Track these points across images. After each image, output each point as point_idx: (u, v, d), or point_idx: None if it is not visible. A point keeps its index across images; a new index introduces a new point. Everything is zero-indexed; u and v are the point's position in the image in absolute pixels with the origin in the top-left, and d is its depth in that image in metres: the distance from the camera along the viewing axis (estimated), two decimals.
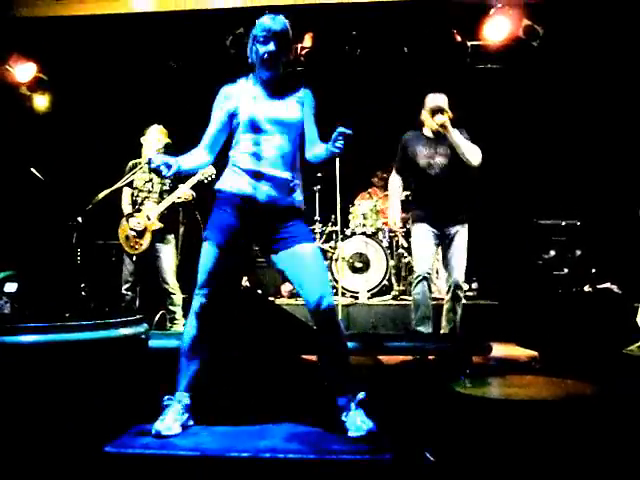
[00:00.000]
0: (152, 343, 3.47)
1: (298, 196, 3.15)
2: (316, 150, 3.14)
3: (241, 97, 3.15)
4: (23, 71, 7.03)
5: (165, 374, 3.10)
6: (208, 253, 3.05)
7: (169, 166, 2.97)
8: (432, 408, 3.00)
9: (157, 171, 2.97)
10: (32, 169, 6.01)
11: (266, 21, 3.10)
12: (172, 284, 5.62)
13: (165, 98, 7.07)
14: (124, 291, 5.65)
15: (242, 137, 3.12)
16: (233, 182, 3.08)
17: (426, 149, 5.03)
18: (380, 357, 3.91)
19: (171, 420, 2.97)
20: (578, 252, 7.05)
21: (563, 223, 7.23)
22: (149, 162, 2.97)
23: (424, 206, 5.02)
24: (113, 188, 5.47)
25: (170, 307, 5.63)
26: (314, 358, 3.61)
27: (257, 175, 3.05)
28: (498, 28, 6.79)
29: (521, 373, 3.72)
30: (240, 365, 3.63)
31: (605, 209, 6.55)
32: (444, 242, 5.01)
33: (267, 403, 3.33)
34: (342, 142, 2.90)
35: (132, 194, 5.69)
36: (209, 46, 6.69)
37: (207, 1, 6.38)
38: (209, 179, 5.34)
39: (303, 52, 6.91)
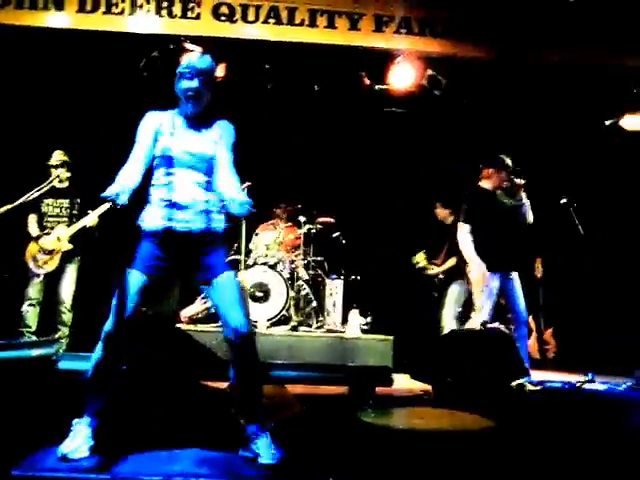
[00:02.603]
0: (62, 364, 3.42)
1: (215, 220, 3.24)
2: (222, 188, 3.14)
3: (162, 128, 3.24)
4: None
5: (75, 396, 3.07)
6: (130, 281, 3.08)
7: (120, 194, 2.98)
8: (339, 436, 3.13)
9: (114, 201, 2.97)
10: None
11: (192, 59, 3.27)
12: (67, 303, 5.82)
13: (76, 116, 6.98)
14: (25, 307, 5.72)
15: (158, 170, 3.23)
16: (150, 217, 3.18)
17: (499, 204, 5.63)
18: (287, 386, 4.01)
19: (79, 443, 2.96)
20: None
21: None
22: (110, 199, 2.96)
23: (493, 255, 5.45)
24: (16, 204, 5.38)
25: (60, 326, 5.76)
26: (220, 385, 3.67)
27: (171, 205, 3.14)
28: (403, 75, 7.09)
29: (419, 405, 3.92)
30: (149, 390, 3.63)
31: None
32: (506, 285, 5.52)
33: (176, 428, 3.35)
34: (240, 210, 2.95)
35: (38, 219, 5.91)
36: (122, 67, 6.64)
37: (123, 25, 6.34)
38: (118, 206, 5.47)
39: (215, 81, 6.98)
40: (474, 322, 5.49)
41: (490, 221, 5.54)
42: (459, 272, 6.56)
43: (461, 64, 6.87)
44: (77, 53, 6.50)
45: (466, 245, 5.53)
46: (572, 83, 6.89)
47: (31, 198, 5.50)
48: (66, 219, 5.89)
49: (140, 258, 3.14)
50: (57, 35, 6.25)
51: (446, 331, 6.48)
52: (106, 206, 5.56)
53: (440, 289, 6.92)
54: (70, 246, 5.80)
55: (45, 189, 5.64)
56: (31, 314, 5.72)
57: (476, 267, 5.44)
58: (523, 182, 5.64)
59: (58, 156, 5.95)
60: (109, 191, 2.96)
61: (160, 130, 3.24)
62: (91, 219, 5.78)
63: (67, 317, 5.79)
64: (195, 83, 3.20)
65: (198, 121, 3.29)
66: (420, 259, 7.09)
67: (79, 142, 6.42)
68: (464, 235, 5.55)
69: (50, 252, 5.77)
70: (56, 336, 5.56)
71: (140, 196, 3.22)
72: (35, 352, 3.10)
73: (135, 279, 3.08)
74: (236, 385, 3.20)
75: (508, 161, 5.73)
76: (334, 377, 4.27)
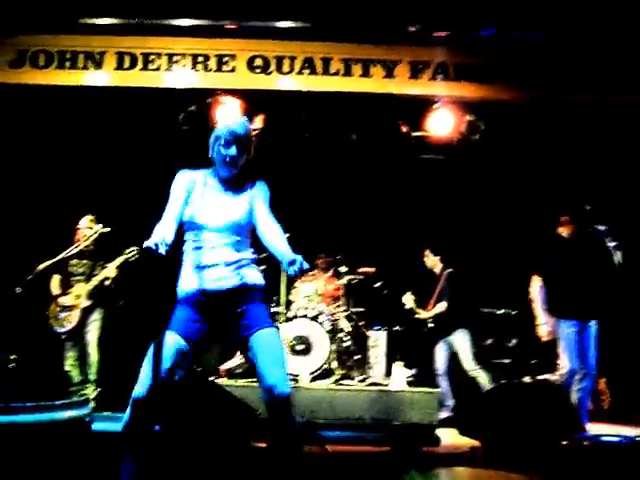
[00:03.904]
0: (96, 426, 3.34)
1: (250, 274, 3.16)
2: (271, 243, 3.08)
3: (195, 187, 3.19)
4: None
5: (108, 458, 2.97)
6: (165, 343, 2.98)
7: (159, 245, 2.90)
8: None
9: (153, 251, 2.90)
10: None
11: (231, 124, 3.20)
12: (93, 344, 6.03)
13: (115, 173, 7.09)
14: (68, 368, 5.95)
15: (189, 233, 3.19)
16: (184, 280, 3.15)
17: (578, 252, 5.56)
18: (328, 446, 3.85)
19: None
20: (514, 341, 7.19)
21: (499, 312, 7.40)
22: (150, 249, 2.88)
23: (570, 303, 5.42)
24: (54, 260, 5.40)
25: (88, 369, 5.99)
26: (262, 444, 3.54)
27: (203, 265, 3.10)
28: (441, 122, 7.05)
29: (467, 465, 3.72)
30: (187, 449, 3.51)
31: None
32: (582, 333, 5.46)
33: None
34: (295, 271, 2.86)
35: (62, 279, 6.12)
36: (162, 122, 6.72)
37: (160, 80, 6.44)
38: (132, 258, 6.02)
39: (254, 133, 7.02)
40: (557, 373, 5.37)
41: (567, 269, 5.45)
42: (459, 318, 6.64)
43: (499, 108, 6.80)
44: (114, 109, 6.62)
45: (535, 299, 5.47)
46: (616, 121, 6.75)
47: (59, 259, 5.55)
48: (84, 277, 6.09)
49: (176, 320, 3.09)
50: (94, 91, 6.39)
51: (483, 381, 6.42)
52: (120, 260, 5.98)
53: (436, 336, 6.91)
54: (88, 302, 6.00)
55: (73, 252, 5.70)
56: (75, 373, 5.93)
57: (541, 323, 5.41)
58: (605, 228, 5.47)
59: (87, 222, 6.08)
60: (149, 242, 2.89)
61: (192, 190, 3.19)
62: (109, 271, 6.01)
63: (94, 357, 5.98)
64: (233, 150, 3.15)
65: (232, 182, 3.24)
66: (408, 300, 7.04)
67: (111, 200, 6.57)
68: (535, 288, 5.49)
69: (69, 309, 5.98)
70: (84, 394, 5.60)
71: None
72: (68, 413, 3.01)
73: (170, 342, 3.00)
74: (275, 444, 3.07)
75: (587, 207, 5.59)
76: (377, 437, 4.09)
